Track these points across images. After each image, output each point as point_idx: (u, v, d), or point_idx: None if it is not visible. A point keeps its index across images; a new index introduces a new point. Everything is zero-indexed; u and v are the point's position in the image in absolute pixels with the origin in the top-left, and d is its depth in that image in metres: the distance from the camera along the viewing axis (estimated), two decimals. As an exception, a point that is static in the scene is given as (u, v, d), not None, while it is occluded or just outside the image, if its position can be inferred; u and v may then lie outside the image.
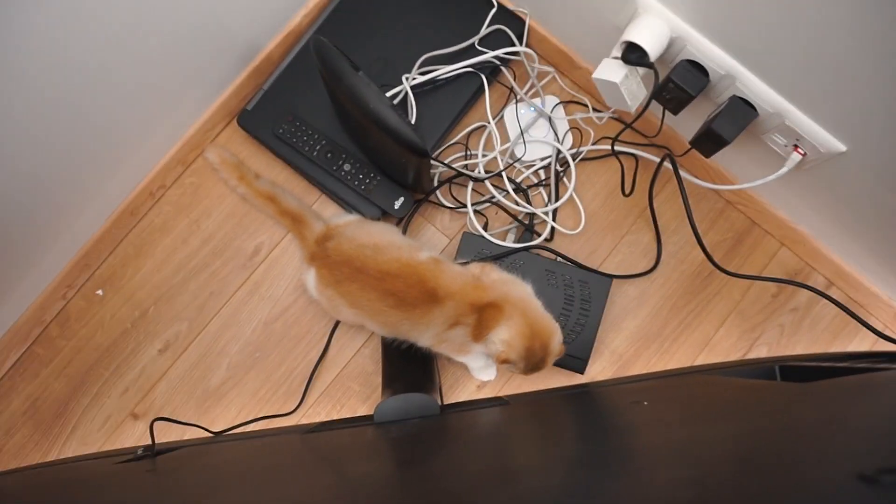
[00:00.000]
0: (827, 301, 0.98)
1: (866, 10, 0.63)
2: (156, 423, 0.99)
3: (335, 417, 1.11)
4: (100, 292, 1.13)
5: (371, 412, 1.03)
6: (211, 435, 1.05)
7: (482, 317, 0.89)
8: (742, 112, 0.90)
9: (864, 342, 1.15)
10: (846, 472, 0.30)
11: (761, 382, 0.73)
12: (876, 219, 0.95)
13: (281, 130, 1.10)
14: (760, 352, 1.15)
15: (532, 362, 0.90)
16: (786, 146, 0.91)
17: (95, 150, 0.97)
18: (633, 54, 0.90)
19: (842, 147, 0.84)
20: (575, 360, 1.09)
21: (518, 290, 0.95)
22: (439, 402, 1.04)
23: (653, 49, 0.88)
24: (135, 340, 1.13)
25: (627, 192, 1.15)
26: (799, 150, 0.90)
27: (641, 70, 0.93)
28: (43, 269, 1.07)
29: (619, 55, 0.92)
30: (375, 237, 0.99)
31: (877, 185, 0.87)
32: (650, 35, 0.88)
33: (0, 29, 0.70)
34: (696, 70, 0.90)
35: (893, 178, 0.84)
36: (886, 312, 1.14)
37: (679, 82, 0.91)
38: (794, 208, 1.09)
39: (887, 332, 1.16)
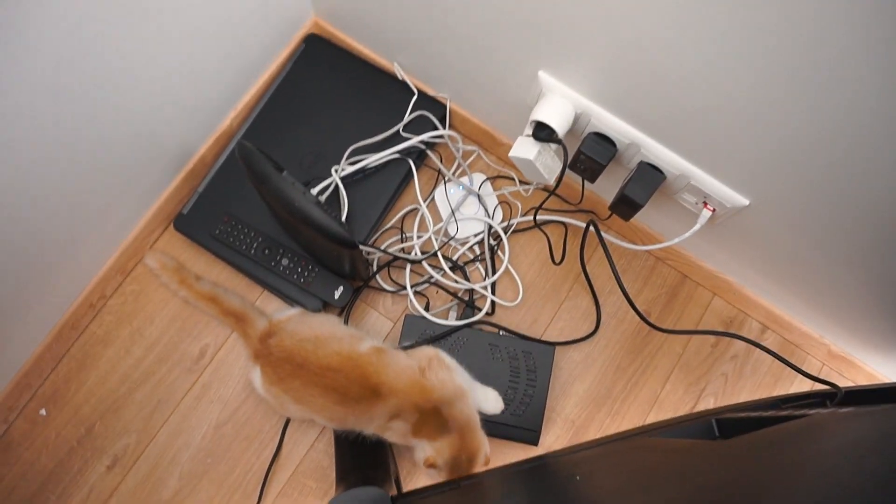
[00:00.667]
0: (765, 346, 1.01)
1: (751, 78, 0.68)
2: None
3: (293, 516, 1.09)
4: (43, 412, 1.11)
5: (327, 508, 1.02)
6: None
7: (422, 419, 0.91)
8: (651, 176, 0.95)
9: (805, 382, 1.18)
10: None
11: (693, 442, 0.74)
12: (791, 264, 1.00)
13: (218, 231, 1.12)
14: (708, 403, 1.17)
15: (455, 471, 0.93)
16: (696, 204, 0.96)
17: (29, 267, 0.97)
18: (543, 132, 0.95)
19: (745, 201, 0.90)
20: (527, 432, 1.09)
21: (460, 397, 0.96)
22: (394, 492, 1.03)
23: (559, 126, 0.93)
24: (81, 459, 1.10)
25: (558, 260, 1.19)
26: (708, 206, 0.95)
27: (554, 145, 0.98)
28: (-20, 395, 1.05)
29: (531, 133, 0.97)
30: (316, 330, 1.00)
31: (784, 232, 0.92)
32: (555, 113, 0.93)
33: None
34: (604, 141, 0.95)
35: (796, 226, 0.89)
36: (821, 350, 1.17)
37: (589, 154, 0.96)
38: (719, 260, 1.14)
39: (824, 369, 1.20)
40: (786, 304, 1.14)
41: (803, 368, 0.98)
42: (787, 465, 0.53)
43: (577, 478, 0.67)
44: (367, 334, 1.03)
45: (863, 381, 1.18)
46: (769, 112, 0.72)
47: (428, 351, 1.00)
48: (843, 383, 1.19)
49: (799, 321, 1.16)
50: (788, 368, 1.10)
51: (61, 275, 1.06)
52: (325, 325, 1.02)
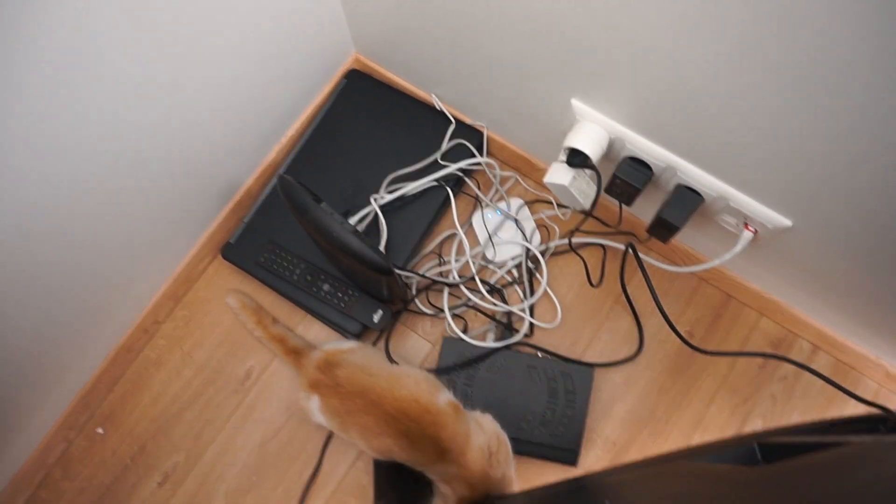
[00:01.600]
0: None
1: (784, 98, 0.68)
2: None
3: (335, 537, 1.11)
4: (100, 430, 1.17)
5: (368, 528, 1.03)
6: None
7: (470, 498, 0.92)
8: (688, 199, 0.94)
9: (859, 405, 1.13)
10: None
11: (733, 468, 0.73)
12: (841, 284, 0.97)
13: (263, 259, 1.16)
14: (756, 424, 1.14)
15: None
16: (737, 225, 0.95)
17: (89, 296, 1.03)
18: (577, 158, 0.96)
19: (787, 222, 0.88)
20: (566, 452, 1.09)
21: (509, 488, 0.97)
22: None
23: (593, 152, 0.94)
24: (135, 475, 1.15)
25: (595, 282, 1.19)
26: (749, 227, 0.93)
27: (588, 171, 0.99)
28: (45, 413, 1.11)
29: (565, 159, 0.98)
30: (390, 367, 1.01)
31: (828, 253, 0.90)
32: (589, 140, 0.94)
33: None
34: (639, 165, 0.95)
35: (842, 247, 0.87)
36: (878, 371, 1.13)
37: (624, 178, 0.96)
38: (764, 280, 1.11)
39: (882, 391, 1.15)
40: (838, 324, 1.10)
41: (858, 391, 0.94)
42: (824, 495, 0.52)
43: (607, 502, 0.66)
44: (441, 386, 1.00)
45: (922, 406, 1.12)
46: (808, 133, 0.71)
47: (495, 427, 0.99)
48: (901, 407, 1.14)
49: (853, 341, 1.12)
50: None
51: (118, 303, 1.12)
52: (396, 369, 1.02)
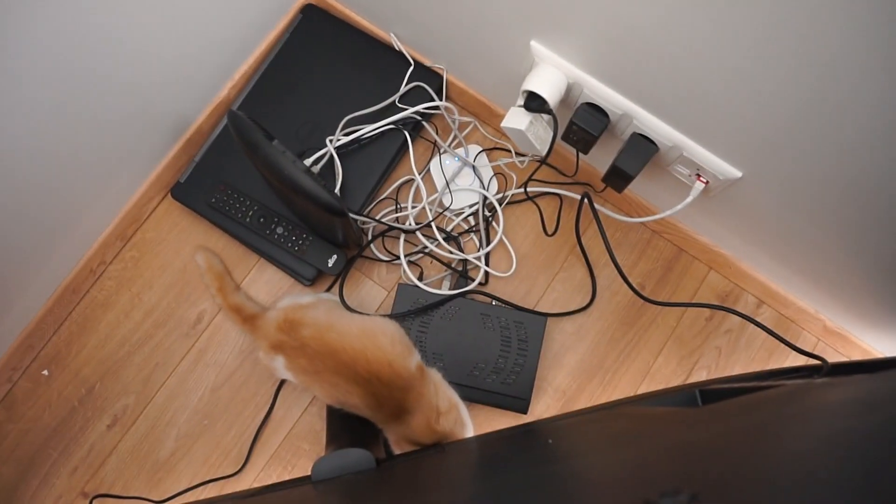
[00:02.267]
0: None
1: (742, 46, 0.68)
2: (101, 501, 0.99)
3: (286, 479, 1.11)
4: (45, 372, 1.14)
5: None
6: (157, 506, 1.05)
7: (421, 446, 0.95)
8: (643, 148, 0.94)
9: (800, 357, 1.17)
10: (636, 498, 0.32)
11: (673, 409, 0.75)
12: (786, 238, 0.99)
13: (214, 200, 1.13)
14: (700, 375, 1.18)
15: None
16: (689, 176, 0.96)
17: (29, 231, 1.00)
18: (534, 102, 0.94)
19: (737, 173, 0.89)
20: (517, 400, 1.11)
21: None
22: (384, 455, 1.05)
23: (551, 96, 0.93)
24: (83, 418, 1.14)
25: (550, 232, 1.19)
26: (701, 178, 0.94)
27: (546, 116, 0.98)
28: (-15, 355, 1.08)
29: (523, 103, 0.97)
30: (360, 323, 0.98)
31: (777, 206, 0.92)
32: (547, 84, 0.92)
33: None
34: (597, 112, 0.95)
35: (789, 199, 0.89)
36: (817, 325, 1.17)
37: (581, 124, 0.95)
38: (714, 233, 1.13)
39: (819, 345, 1.19)
40: (782, 279, 1.13)
41: (798, 344, 0.97)
42: (757, 424, 0.54)
43: (550, 441, 0.68)
44: (412, 347, 0.99)
45: (858, 357, 1.17)
46: (761, 83, 0.71)
47: (454, 399, 1.00)
48: (838, 359, 1.19)
49: (795, 296, 1.15)
50: (783, 344, 1.10)
51: (63, 241, 1.08)
52: (370, 323, 0.99)
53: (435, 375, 1.00)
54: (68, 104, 0.89)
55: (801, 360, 1.17)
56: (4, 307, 1.05)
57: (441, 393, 0.98)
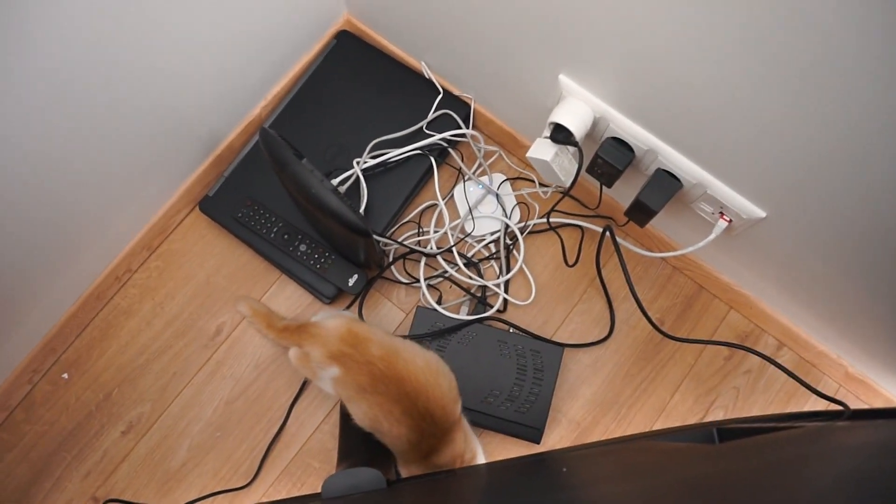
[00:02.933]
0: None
1: (771, 91, 0.69)
2: (111, 507, 1.00)
3: (295, 496, 1.11)
4: (65, 376, 1.16)
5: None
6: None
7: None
8: (667, 184, 0.95)
9: (820, 402, 1.15)
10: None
11: (689, 445, 0.74)
12: (809, 281, 0.98)
13: (240, 214, 1.15)
14: (717, 415, 1.16)
15: None
16: (713, 214, 0.96)
17: (60, 237, 1.02)
18: (560, 134, 0.96)
19: (761, 213, 0.89)
20: (530, 429, 1.10)
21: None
22: (395, 476, 1.05)
23: (577, 129, 0.94)
24: (98, 423, 1.15)
25: (571, 262, 1.19)
26: (724, 217, 0.94)
27: (571, 148, 0.99)
28: (8, 354, 1.10)
29: (549, 135, 0.98)
30: (429, 362, 0.97)
31: (802, 248, 0.91)
32: (574, 116, 0.94)
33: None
34: (622, 146, 0.96)
35: (814, 242, 0.88)
36: (838, 371, 1.15)
37: (606, 158, 0.96)
38: (735, 272, 1.12)
39: (841, 391, 1.17)
40: (803, 322, 1.12)
41: (819, 389, 0.96)
42: (775, 462, 0.53)
43: (564, 469, 0.67)
44: (459, 395, 0.99)
45: (880, 405, 1.15)
46: (789, 125, 0.71)
47: (477, 449, 1.02)
48: (860, 406, 1.17)
49: (816, 340, 1.14)
50: (802, 387, 1.09)
51: (90, 248, 1.11)
52: (432, 359, 0.99)
53: (466, 424, 1.01)
54: (106, 118, 0.93)
55: (822, 405, 1.15)
56: (29, 310, 1.08)
57: (469, 443, 0.99)
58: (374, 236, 1.04)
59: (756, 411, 1.16)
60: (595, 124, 0.96)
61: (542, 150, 0.99)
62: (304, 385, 1.15)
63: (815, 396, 1.15)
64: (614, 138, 0.96)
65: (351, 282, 1.13)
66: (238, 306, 1.17)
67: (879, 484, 0.32)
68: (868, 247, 0.81)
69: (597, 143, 0.98)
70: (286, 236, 1.14)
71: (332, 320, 1.01)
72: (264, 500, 1.12)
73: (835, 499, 0.32)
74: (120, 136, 0.98)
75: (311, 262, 1.14)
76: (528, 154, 1.00)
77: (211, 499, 1.12)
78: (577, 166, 1.02)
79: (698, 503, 0.38)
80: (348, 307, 1.18)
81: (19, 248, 0.96)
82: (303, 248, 1.14)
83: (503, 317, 1.17)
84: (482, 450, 1.01)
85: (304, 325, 1.02)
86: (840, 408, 0.95)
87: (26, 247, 0.97)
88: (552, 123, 0.96)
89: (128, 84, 0.92)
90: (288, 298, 1.19)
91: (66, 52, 0.79)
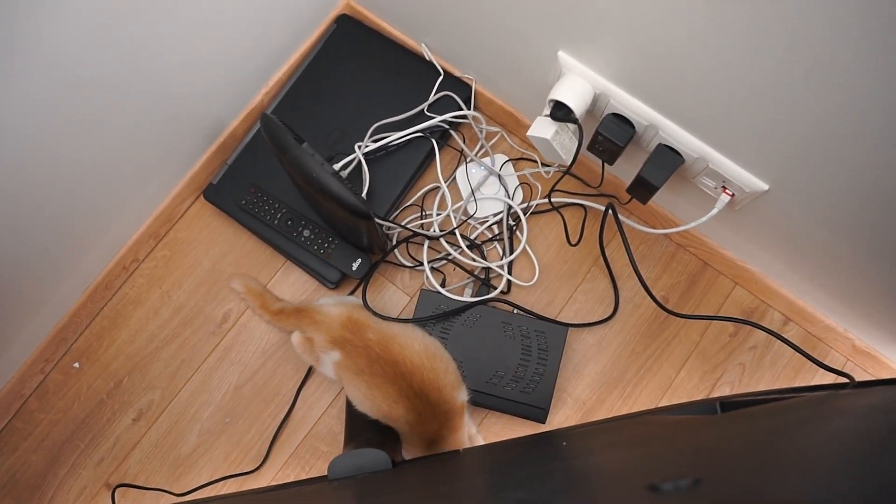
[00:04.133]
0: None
1: (770, 60, 0.68)
2: (123, 491, 1.01)
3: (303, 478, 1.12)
4: (76, 365, 1.18)
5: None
6: (175, 498, 1.07)
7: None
8: (669, 159, 0.95)
9: (827, 375, 1.15)
10: (640, 484, 0.33)
11: (692, 417, 0.74)
12: (814, 253, 0.98)
13: (244, 202, 1.16)
14: (723, 391, 1.16)
15: None
16: (715, 188, 0.95)
17: (68, 228, 1.03)
18: (560, 111, 0.95)
19: (764, 186, 0.88)
20: (535, 409, 1.10)
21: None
22: (401, 457, 1.06)
23: (577, 106, 0.93)
24: (110, 410, 1.16)
25: (574, 242, 1.19)
26: (727, 191, 0.94)
27: (572, 125, 0.99)
28: (21, 345, 1.12)
29: (549, 113, 0.98)
30: (427, 346, 1.02)
31: (804, 219, 0.91)
32: (573, 93, 0.93)
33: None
34: (623, 122, 0.95)
35: (818, 213, 0.88)
36: (845, 345, 1.14)
37: (607, 135, 0.96)
38: (740, 247, 1.12)
39: (848, 364, 1.17)
40: (809, 296, 1.12)
41: (827, 363, 0.95)
42: (770, 425, 0.53)
43: (564, 443, 0.68)
44: (462, 383, 1.04)
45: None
46: (789, 95, 0.71)
47: (476, 436, 1.08)
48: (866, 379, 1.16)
49: (823, 314, 1.14)
50: (809, 362, 1.09)
51: (98, 238, 1.12)
52: (431, 344, 1.04)
53: (473, 426, 1.06)
54: (108, 110, 0.93)
55: (829, 380, 1.15)
56: (40, 301, 1.09)
57: (475, 441, 1.05)
58: (377, 220, 1.05)
59: (762, 387, 1.16)
60: (595, 101, 0.95)
61: (543, 128, 0.98)
62: (311, 370, 1.16)
63: (822, 371, 1.16)
64: (615, 114, 0.95)
65: (354, 266, 1.13)
66: (232, 283, 1.18)
67: (865, 438, 0.32)
68: (871, 214, 0.80)
69: (597, 120, 0.98)
70: (290, 222, 1.15)
71: (335, 307, 1.05)
72: (273, 482, 1.13)
73: (821, 452, 0.32)
74: (123, 128, 0.99)
75: (315, 247, 1.14)
76: (529, 133, 1.00)
77: (221, 483, 1.13)
78: (577, 143, 1.02)
79: (690, 463, 0.39)
80: (352, 292, 1.18)
81: (27, 242, 0.97)
82: (306, 233, 1.15)
83: (507, 298, 1.17)
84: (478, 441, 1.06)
85: (305, 309, 1.05)
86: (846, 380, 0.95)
87: (34, 240, 0.98)
88: (552, 101, 0.95)
89: (129, 74, 0.92)
90: (293, 285, 1.20)
91: (71, 43, 0.80)
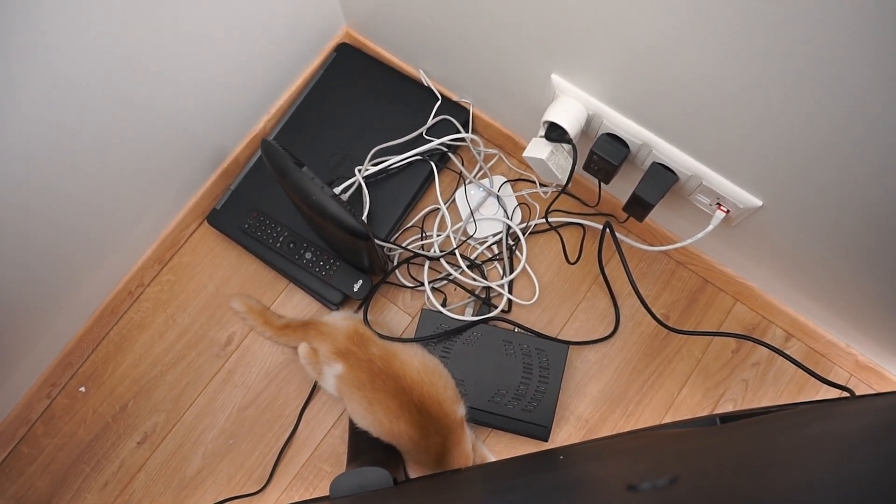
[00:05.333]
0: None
1: (758, 80, 0.70)
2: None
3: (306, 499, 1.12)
4: (82, 389, 1.19)
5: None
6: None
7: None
8: (663, 177, 0.96)
9: (831, 391, 1.14)
10: (621, 485, 0.33)
11: (691, 430, 0.75)
12: (812, 269, 0.98)
13: (247, 226, 1.18)
14: (726, 407, 1.16)
15: None
16: (710, 205, 0.96)
17: (73, 255, 1.05)
18: (555, 132, 0.97)
19: (757, 202, 0.89)
20: (537, 427, 1.10)
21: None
22: (404, 476, 1.06)
23: (571, 126, 0.95)
24: (115, 434, 1.17)
25: (573, 260, 1.20)
26: (722, 207, 0.95)
27: (567, 145, 1.01)
28: (27, 369, 1.13)
29: (544, 134, 0.99)
30: (426, 363, 1.05)
31: (801, 235, 0.91)
32: (567, 114, 0.95)
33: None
34: (617, 142, 0.97)
35: (812, 228, 0.88)
36: (848, 360, 1.14)
37: (601, 154, 0.98)
38: (739, 264, 1.12)
39: (851, 380, 1.16)
40: (810, 312, 1.12)
41: (829, 378, 0.96)
42: (756, 431, 0.54)
43: (561, 457, 0.68)
44: (461, 399, 1.06)
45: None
46: (779, 112, 0.72)
47: (489, 458, 1.10)
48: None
49: (825, 329, 1.13)
50: (812, 378, 1.09)
51: (104, 263, 1.14)
52: (430, 361, 1.06)
53: (472, 436, 1.07)
54: (113, 134, 0.96)
55: (834, 395, 1.15)
56: (46, 326, 1.11)
57: (478, 451, 1.07)
58: (378, 241, 1.06)
59: (766, 403, 1.16)
60: (589, 121, 0.97)
61: (538, 149, 1.00)
62: (314, 390, 1.17)
63: (825, 387, 1.16)
64: (609, 134, 0.97)
65: (356, 287, 1.15)
66: (232, 303, 1.20)
67: (845, 437, 0.33)
68: (867, 230, 0.81)
69: (592, 140, 1.00)
70: (292, 245, 1.17)
71: (343, 321, 1.08)
72: (278, 505, 1.13)
73: (799, 452, 0.32)
74: (128, 156, 1.01)
75: (317, 269, 1.16)
76: (525, 154, 1.01)
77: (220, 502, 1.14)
78: (572, 163, 1.04)
79: (673, 465, 0.39)
80: (355, 312, 1.20)
81: (33, 268, 0.99)
82: (308, 255, 1.16)
83: (508, 317, 1.18)
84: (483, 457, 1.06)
85: (313, 322, 1.09)
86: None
87: (39, 267, 1.00)
88: (546, 122, 0.97)
89: (133, 102, 0.95)
90: (296, 307, 1.21)
91: (79, 72, 0.83)
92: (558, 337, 1.17)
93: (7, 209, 0.88)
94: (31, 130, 0.83)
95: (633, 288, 1.04)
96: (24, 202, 0.90)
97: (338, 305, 1.17)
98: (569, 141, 0.97)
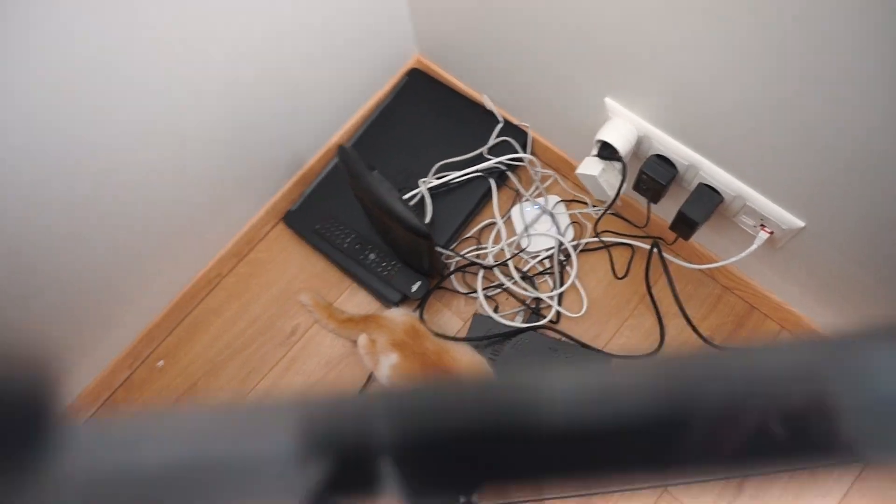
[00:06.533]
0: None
1: (803, 106, 0.76)
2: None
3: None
4: (161, 363, 1.30)
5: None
6: None
7: None
8: (708, 197, 1.01)
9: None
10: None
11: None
12: (858, 296, 1.00)
13: (319, 227, 1.29)
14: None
15: None
16: (754, 226, 1.01)
17: (162, 244, 1.18)
18: (606, 151, 1.05)
19: (800, 223, 0.93)
20: (577, 433, 1.14)
21: None
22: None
23: (622, 146, 1.03)
24: (184, 409, 1.28)
25: (620, 275, 1.25)
26: (765, 228, 0.99)
27: (617, 164, 1.08)
28: (115, 340, 1.26)
29: (596, 153, 1.07)
30: (473, 361, 1.12)
31: (844, 258, 0.94)
32: (618, 135, 1.03)
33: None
34: (665, 163, 1.03)
35: (854, 250, 0.92)
36: (895, 394, 1.14)
37: (650, 174, 1.04)
38: (784, 290, 1.15)
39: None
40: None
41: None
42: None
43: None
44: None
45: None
46: (823, 136, 0.77)
47: None
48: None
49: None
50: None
51: (187, 254, 1.27)
52: (478, 362, 1.13)
53: None
54: (209, 142, 1.10)
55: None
56: (133, 305, 1.24)
57: None
58: (437, 248, 1.15)
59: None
60: (639, 143, 1.04)
61: (590, 166, 1.08)
62: (369, 380, 1.25)
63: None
64: (658, 155, 1.03)
65: (414, 288, 1.23)
66: (300, 297, 1.29)
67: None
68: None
69: (641, 161, 1.06)
70: (357, 246, 1.27)
71: (401, 316, 1.16)
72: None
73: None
74: (217, 162, 1.15)
75: (379, 269, 1.25)
76: (578, 171, 1.09)
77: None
78: (621, 180, 1.11)
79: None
80: (412, 311, 1.28)
81: (126, 254, 1.12)
82: (372, 256, 1.26)
83: (556, 327, 1.24)
84: None
85: (374, 316, 1.17)
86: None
87: (132, 252, 1.13)
88: (599, 141, 1.05)
89: (225, 114, 1.09)
90: (358, 305, 1.31)
91: (177, 95, 0.98)
92: (604, 350, 1.22)
93: (130, 190, 1.03)
94: (171, 140, 0.99)
95: (679, 306, 1.08)
96: (124, 202, 1.04)
97: (396, 304, 1.25)
98: (619, 159, 1.04)
